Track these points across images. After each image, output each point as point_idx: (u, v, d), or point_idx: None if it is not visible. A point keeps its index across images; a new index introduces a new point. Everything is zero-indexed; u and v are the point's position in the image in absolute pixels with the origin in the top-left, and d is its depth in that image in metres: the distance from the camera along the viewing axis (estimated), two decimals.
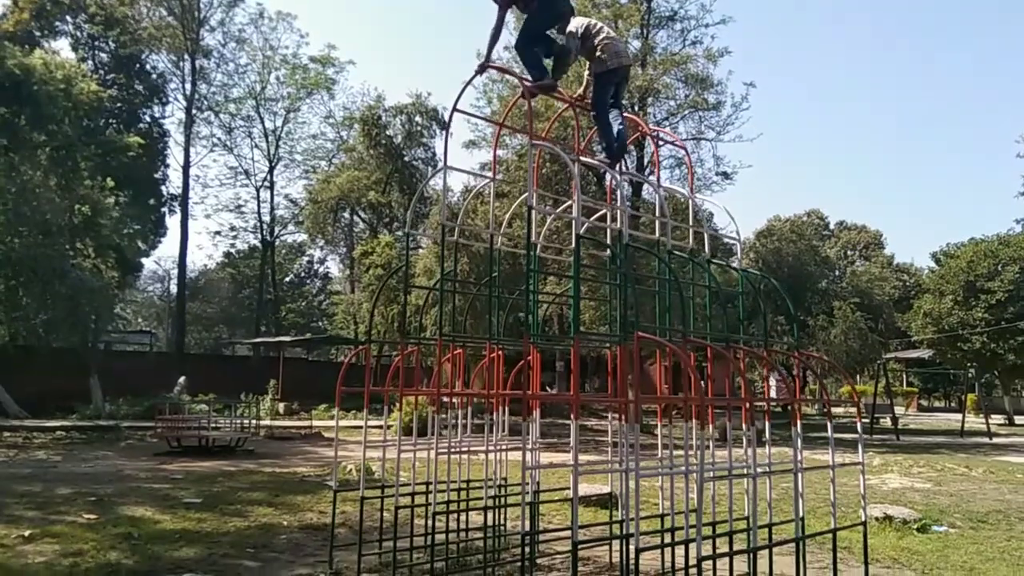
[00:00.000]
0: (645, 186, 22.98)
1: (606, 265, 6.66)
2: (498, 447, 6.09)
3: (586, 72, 5.91)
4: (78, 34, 36.30)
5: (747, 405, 5.21)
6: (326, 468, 12.55)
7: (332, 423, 20.13)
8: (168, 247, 79.97)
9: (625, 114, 6.09)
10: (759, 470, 4.87)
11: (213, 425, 16.93)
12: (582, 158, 5.88)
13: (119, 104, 35.34)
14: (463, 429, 6.31)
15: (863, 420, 10.63)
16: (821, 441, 15.66)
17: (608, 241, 6.14)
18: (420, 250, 28.67)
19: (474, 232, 14.70)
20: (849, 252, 56.75)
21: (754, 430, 4.80)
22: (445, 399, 6.23)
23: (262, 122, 47.44)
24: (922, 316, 33.96)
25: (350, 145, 46.32)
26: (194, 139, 43.57)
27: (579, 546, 4.28)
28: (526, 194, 5.38)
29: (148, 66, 39.61)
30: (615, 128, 5.62)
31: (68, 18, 34.98)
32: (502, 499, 6.27)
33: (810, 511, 8.15)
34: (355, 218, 45.74)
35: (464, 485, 6.16)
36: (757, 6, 79.70)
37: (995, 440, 23.24)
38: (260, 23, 44.93)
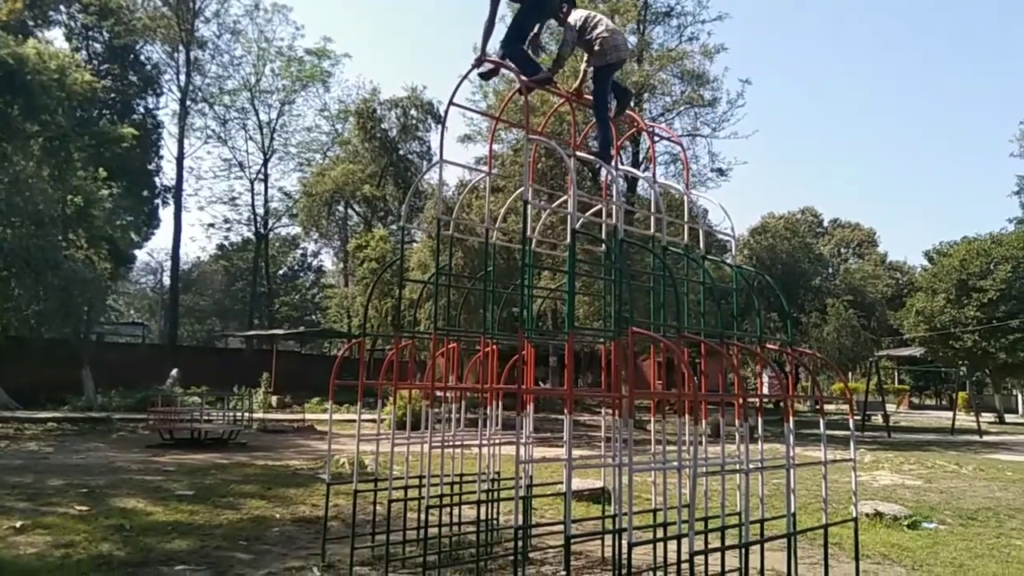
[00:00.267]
0: (640, 182, 22.97)
1: (601, 260, 6.66)
2: (491, 441, 6.10)
3: (583, 65, 5.88)
4: (72, 24, 36.03)
5: (740, 401, 5.23)
6: (319, 461, 12.54)
7: (325, 416, 20.12)
8: (161, 239, 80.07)
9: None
10: (751, 466, 4.89)
11: (205, 417, 16.93)
12: (578, 153, 5.87)
13: (113, 95, 35.15)
14: (456, 423, 6.32)
15: (855, 417, 10.67)
16: (813, 438, 15.73)
17: (603, 236, 6.14)
18: (415, 244, 28.66)
19: (469, 226, 14.68)
20: (843, 250, 57.06)
21: (747, 426, 4.82)
22: (439, 393, 6.24)
23: (257, 114, 47.29)
24: (914, 314, 34.09)
25: (345, 138, 46.14)
26: (188, 131, 43.40)
27: (572, 540, 4.29)
28: (521, 189, 5.38)
29: (142, 57, 39.39)
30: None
31: (62, 8, 34.68)
32: (495, 493, 6.29)
33: (802, 507, 8.21)
34: (349, 211, 45.62)
35: (457, 479, 6.18)
36: (756, 5, 79.76)
37: (985, 438, 23.35)
38: (255, 15, 44.71)
